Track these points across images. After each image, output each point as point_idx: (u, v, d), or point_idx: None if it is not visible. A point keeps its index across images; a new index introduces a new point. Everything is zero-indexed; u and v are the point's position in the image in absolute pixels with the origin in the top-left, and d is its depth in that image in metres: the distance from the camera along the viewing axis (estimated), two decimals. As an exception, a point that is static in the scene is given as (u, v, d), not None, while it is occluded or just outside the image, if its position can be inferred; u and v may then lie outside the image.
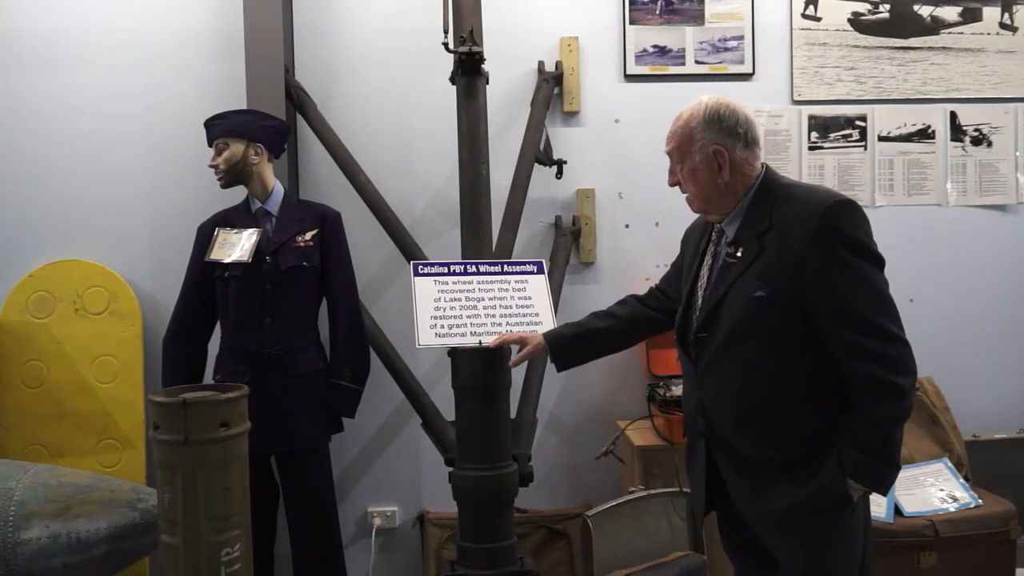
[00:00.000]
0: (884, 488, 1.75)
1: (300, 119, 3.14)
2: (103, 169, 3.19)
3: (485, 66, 2.66)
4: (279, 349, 2.62)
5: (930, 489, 2.85)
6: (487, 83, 2.71)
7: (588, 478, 3.25)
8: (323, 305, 2.77)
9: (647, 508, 2.73)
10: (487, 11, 2.73)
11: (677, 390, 2.86)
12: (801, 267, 1.71)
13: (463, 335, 2.36)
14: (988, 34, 3.40)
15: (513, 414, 2.68)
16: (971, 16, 3.40)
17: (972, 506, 2.80)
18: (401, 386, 2.96)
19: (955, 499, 2.82)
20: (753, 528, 1.88)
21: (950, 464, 2.94)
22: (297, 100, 3.10)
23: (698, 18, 3.31)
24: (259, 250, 2.61)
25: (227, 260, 2.60)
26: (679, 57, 3.31)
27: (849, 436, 1.71)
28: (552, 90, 3.22)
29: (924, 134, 3.39)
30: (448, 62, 2.68)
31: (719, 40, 3.31)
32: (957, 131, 3.40)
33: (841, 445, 1.73)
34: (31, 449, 3.04)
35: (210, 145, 2.71)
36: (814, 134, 3.36)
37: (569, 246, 3.23)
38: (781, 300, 1.74)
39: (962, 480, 2.89)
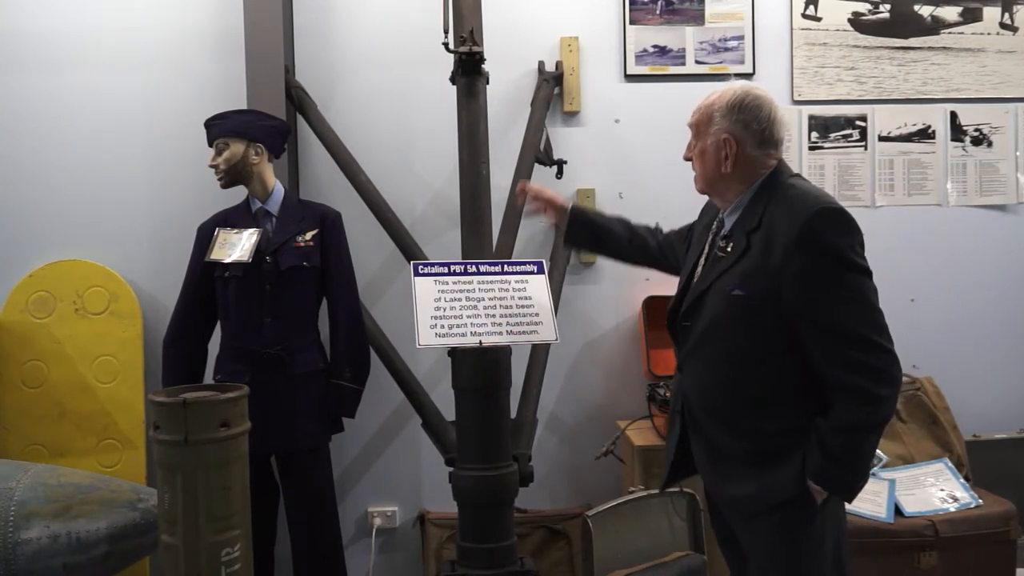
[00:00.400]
0: (847, 495, 1.75)
1: (300, 119, 3.14)
2: (103, 169, 3.19)
3: (485, 66, 2.66)
4: (279, 349, 2.62)
5: (930, 489, 2.85)
6: (487, 83, 2.71)
7: (588, 478, 3.25)
8: (323, 305, 2.77)
9: (647, 508, 2.73)
10: (487, 11, 2.73)
11: (677, 390, 2.86)
12: (780, 273, 1.70)
13: (463, 335, 2.36)
14: (988, 34, 3.40)
15: (513, 414, 2.68)
16: (971, 16, 3.40)
17: (972, 506, 2.79)
18: (401, 386, 2.96)
19: (955, 499, 2.82)
20: (725, 516, 1.92)
21: (950, 464, 2.94)
22: (297, 100, 3.10)
23: (698, 18, 3.31)
24: (259, 250, 2.61)
25: (227, 260, 2.60)
26: (679, 57, 3.31)
27: (818, 439, 1.71)
28: (552, 90, 3.22)
29: (924, 134, 3.39)
30: (448, 62, 2.68)
31: (719, 40, 3.31)
32: (957, 131, 3.40)
33: (809, 446, 1.72)
34: (31, 449, 3.04)
35: (210, 145, 2.71)
36: (814, 134, 3.36)
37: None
38: (758, 302, 1.74)
39: (962, 480, 2.89)
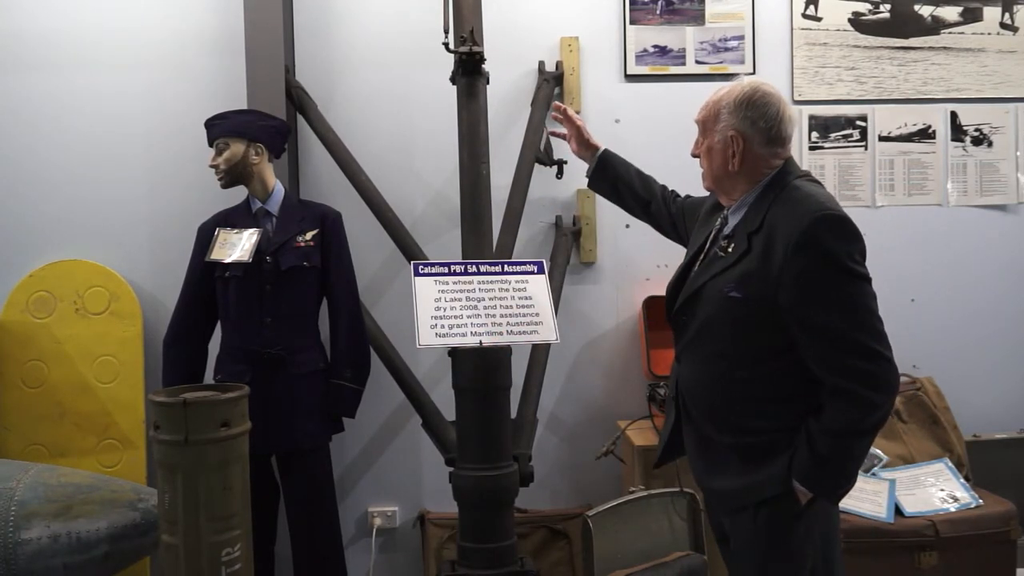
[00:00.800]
0: (832, 497, 1.75)
1: (300, 119, 3.14)
2: (103, 169, 3.19)
3: (485, 66, 2.66)
4: (279, 349, 2.62)
5: (930, 489, 2.85)
6: (487, 83, 2.71)
7: (588, 478, 3.25)
8: (323, 305, 2.77)
9: (647, 508, 2.73)
10: (487, 11, 2.73)
11: (677, 390, 2.86)
12: (779, 277, 1.69)
13: (463, 335, 2.36)
14: (989, 34, 3.40)
15: (513, 414, 2.68)
16: (972, 16, 3.40)
17: (973, 506, 2.79)
18: (401, 386, 2.96)
19: (956, 499, 2.82)
20: (713, 508, 1.94)
21: (951, 464, 2.94)
22: (297, 100, 3.10)
23: (698, 18, 3.31)
24: (259, 250, 2.61)
25: (227, 260, 2.60)
26: (679, 57, 3.31)
27: (807, 440, 1.70)
28: (552, 90, 3.22)
29: (924, 134, 3.39)
30: (448, 62, 2.68)
31: (719, 40, 3.31)
32: (958, 131, 3.40)
33: (797, 446, 1.72)
34: (32, 449, 3.04)
35: (211, 145, 2.71)
36: (814, 134, 3.36)
37: (569, 246, 3.23)
38: (754, 305, 1.73)
39: (963, 480, 2.89)
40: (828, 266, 1.66)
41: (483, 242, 2.65)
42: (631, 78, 3.30)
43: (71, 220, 3.18)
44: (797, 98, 3.34)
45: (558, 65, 3.25)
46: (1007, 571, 2.75)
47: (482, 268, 2.50)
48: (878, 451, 2.92)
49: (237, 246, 2.62)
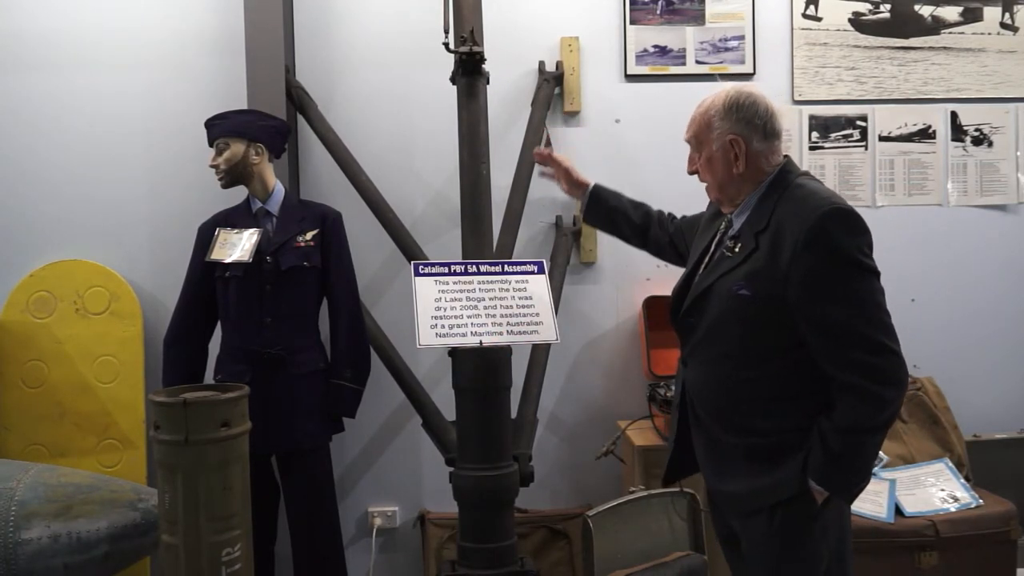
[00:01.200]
0: (848, 496, 1.75)
1: (301, 119, 3.14)
2: (103, 169, 3.19)
3: (486, 66, 2.66)
4: (280, 349, 2.62)
5: (931, 489, 2.85)
6: (488, 83, 2.71)
7: (588, 478, 3.25)
8: (323, 305, 2.77)
9: (648, 508, 2.72)
10: (487, 11, 2.73)
11: (677, 390, 2.86)
12: (787, 274, 1.69)
13: (464, 335, 2.36)
14: (989, 34, 3.40)
15: (514, 414, 2.68)
16: (972, 16, 3.40)
17: (973, 506, 2.79)
18: (402, 386, 2.96)
19: (956, 499, 2.82)
20: (723, 511, 1.92)
21: (951, 464, 2.94)
22: (298, 100, 3.10)
23: (699, 18, 3.31)
24: (260, 250, 2.61)
25: (228, 260, 2.60)
26: (680, 57, 3.31)
27: (820, 438, 1.70)
28: (553, 90, 3.22)
29: (925, 134, 3.39)
30: (448, 62, 2.68)
31: (720, 40, 3.31)
32: (958, 131, 3.40)
33: (812, 445, 1.72)
34: (32, 449, 3.04)
35: (211, 145, 2.71)
36: (815, 134, 3.36)
37: (569, 246, 3.23)
38: (763, 302, 1.73)
39: (963, 480, 2.89)
40: (837, 261, 1.67)
41: (483, 242, 2.65)
42: (631, 78, 3.30)
43: (71, 220, 3.18)
44: (797, 98, 3.34)
45: (558, 65, 3.25)
46: (1007, 571, 2.75)
47: (482, 268, 2.50)
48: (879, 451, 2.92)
49: (237, 246, 2.62)
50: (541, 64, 3.25)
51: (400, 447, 3.28)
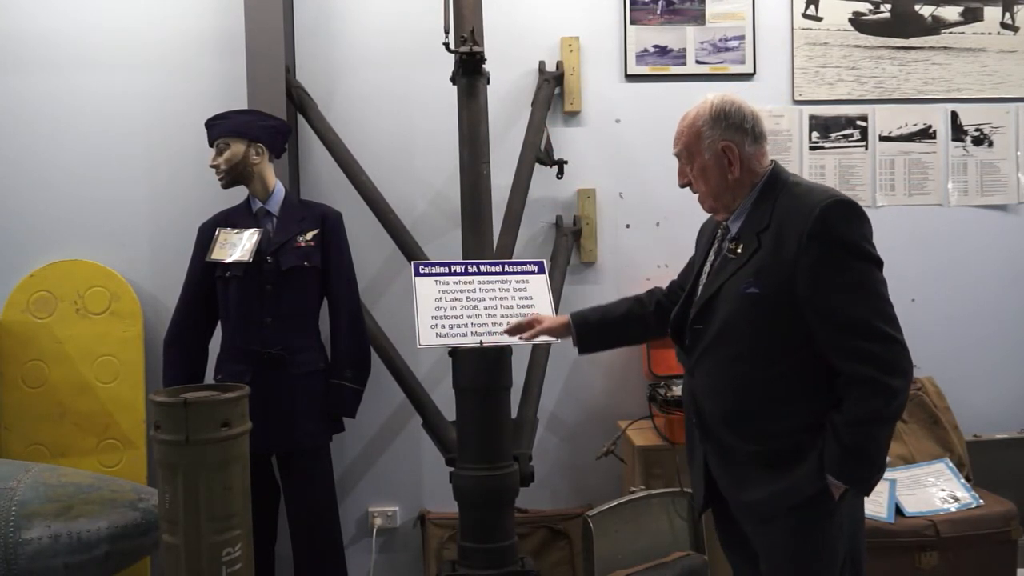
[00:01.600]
0: (865, 488, 1.76)
1: (301, 119, 3.14)
2: (103, 169, 3.19)
3: (486, 66, 2.66)
4: (280, 349, 2.62)
5: (931, 489, 2.85)
6: (488, 83, 2.71)
7: (589, 478, 3.25)
8: (324, 305, 2.77)
9: (648, 508, 2.73)
10: (488, 11, 2.73)
11: (678, 390, 2.86)
12: (794, 267, 1.71)
13: (464, 335, 2.36)
14: (989, 34, 3.40)
15: (514, 414, 2.68)
16: (972, 16, 3.40)
17: (973, 506, 2.79)
18: (402, 386, 2.96)
19: (956, 499, 2.82)
20: (739, 520, 1.90)
21: (951, 464, 2.94)
22: (298, 100, 3.10)
23: (699, 18, 3.31)
24: (260, 250, 2.61)
25: (228, 260, 2.60)
26: (680, 57, 3.31)
27: (834, 432, 1.71)
28: (553, 90, 3.22)
29: (925, 134, 3.39)
30: (449, 62, 2.68)
31: (720, 40, 3.31)
32: (958, 131, 3.40)
33: (825, 441, 1.73)
34: (32, 449, 3.04)
35: (211, 145, 2.71)
36: (815, 134, 3.36)
37: (570, 246, 3.23)
38: (773, 298, 1.74)
39: (963, 480, 2.89)
40: (842, 251, 1.69)
41: (483, 242, 2.65)
42: (631, 78, 3.30)
43: (71, 220, 3.18)
44: (797, 98, 3.34)
45: (558, 65, 3.25)
46: (1007, 571, 2.75)
47: (482, 268, 2.50)
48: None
49: (237, 246, 2.62)
50: (541, 64, 3.25)
51: (400, 447, 3.28)
